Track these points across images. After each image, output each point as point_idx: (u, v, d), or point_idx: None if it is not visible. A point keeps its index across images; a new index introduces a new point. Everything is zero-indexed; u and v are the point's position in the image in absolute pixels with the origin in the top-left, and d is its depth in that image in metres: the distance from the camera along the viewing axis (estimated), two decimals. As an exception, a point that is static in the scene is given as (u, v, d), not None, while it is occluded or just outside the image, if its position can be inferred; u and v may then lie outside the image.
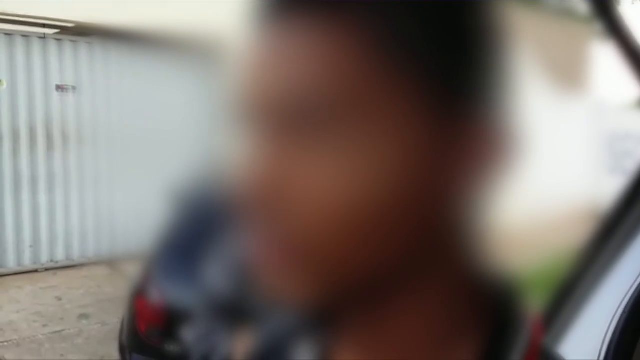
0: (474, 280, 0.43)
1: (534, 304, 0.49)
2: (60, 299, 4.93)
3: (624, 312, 1.12)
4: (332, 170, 0.37)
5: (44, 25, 5.89)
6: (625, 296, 1.14)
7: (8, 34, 5.52)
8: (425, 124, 0.37)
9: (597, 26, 1.15)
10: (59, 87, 5.72)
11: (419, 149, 0.37)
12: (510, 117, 0.39)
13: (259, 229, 0.39)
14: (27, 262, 5.71)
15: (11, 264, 5.63)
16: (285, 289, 0.40)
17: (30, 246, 5.71)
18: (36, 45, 5.63)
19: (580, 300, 1.19)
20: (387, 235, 0.38)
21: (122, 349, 1.99)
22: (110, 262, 5.61)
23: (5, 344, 4.06)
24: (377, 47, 0.36)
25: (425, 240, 0.40)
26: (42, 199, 5.73)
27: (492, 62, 0.39)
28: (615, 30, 1.15)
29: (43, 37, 5.70)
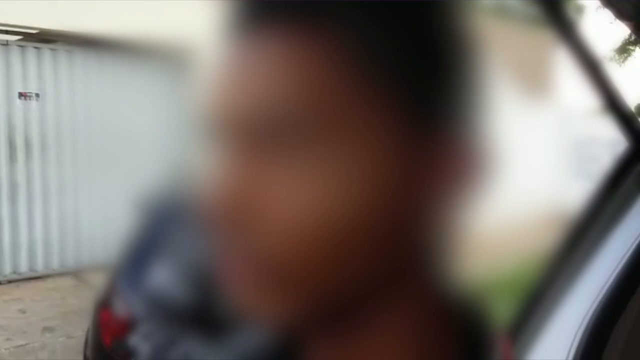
0: (445, 298, 0.42)
1: (502, 318, 0.49)
2: (23, 312, 4.82)
3: (589, 323, 1.13)
4: (303, 186, 0.35)
5: (6, 32, 5.79)
6: (591, 306, 1.15)
7: (-31, 40, 5.43)
8: (399, 138, 0.36)
9: (551, 32, 1.16)
10: (22, 95, 5.62)
11: (392, 163, 0.36)
12: (484, 129, 0.39)
13: (228, 245, 0.38)
14: (-11, 274, 5.58)
15: (-28, 276, 5.50)
16: (255, 307, 0.38)
17: (-7, 257, 5.59)
18: (-2, 52, 5.53)
19: (548, 310, 1.20)
20: (360, 251, 0.37)
21: (86, 363, 1.96)
22: (76, 273, 5.52)
23: (-34, 359, 3.96)
24: (350, 60, 0.35)
25: (398, 257, 0.39)
26: (4, 208, 5.61)
27: (466, 74, 0.38)
28: (567, 36, 1.16)
29: (5, 43, 5.60)
